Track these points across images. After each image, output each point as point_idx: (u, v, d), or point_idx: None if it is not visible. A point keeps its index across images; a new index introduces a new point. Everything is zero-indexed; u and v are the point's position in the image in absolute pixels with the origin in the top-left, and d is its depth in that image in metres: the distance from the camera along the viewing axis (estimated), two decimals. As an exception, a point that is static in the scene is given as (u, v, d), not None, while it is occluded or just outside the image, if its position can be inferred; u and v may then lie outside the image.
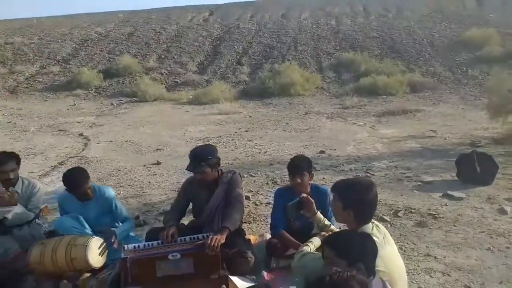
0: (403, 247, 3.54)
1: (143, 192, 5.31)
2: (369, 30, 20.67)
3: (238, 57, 18.76)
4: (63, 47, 21.06)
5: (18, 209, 3.35)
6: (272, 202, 4.72)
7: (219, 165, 3.29)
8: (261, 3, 29.20)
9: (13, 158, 3.47)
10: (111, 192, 3.50)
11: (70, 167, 6.54)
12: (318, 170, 5.94)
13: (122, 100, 14.75)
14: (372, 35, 19.92)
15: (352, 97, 12.86)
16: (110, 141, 8.62)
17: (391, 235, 2.30)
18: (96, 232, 3.32)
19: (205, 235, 3.01)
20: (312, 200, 2.74)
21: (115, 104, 14.15)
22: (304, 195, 2.79)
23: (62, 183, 5.70)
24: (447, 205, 4.53)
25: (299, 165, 3.23)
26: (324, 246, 2.02)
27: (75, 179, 3.27)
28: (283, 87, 14.16)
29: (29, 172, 6.25)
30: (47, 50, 20.58)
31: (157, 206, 4.76)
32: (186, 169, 3.24)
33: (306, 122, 10.29)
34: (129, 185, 5.64)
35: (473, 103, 12.01)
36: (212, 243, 2.78)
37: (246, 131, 9.37)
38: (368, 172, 5.92)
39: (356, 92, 13.64)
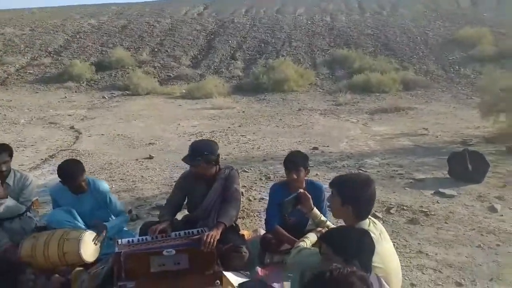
0: (395, 243, 3.55)
1: (136, 186, 5.27)
2: (363, 27, 20.70)
3: (232, 51, 18.69)
4: (55, 38, 20.80)
5: (9, 201, 3.31)
6: (266, 197, 4.76)
7: (217, 163, 3.28)
8: (256, -2, 29.07)
9: (6, 150, 3.42)
10: (105, 185, 3.47)
11: (61, 160, 6.51)
12: (311, 167, 5.89)
13: (114, 93, 14.62)
14: (367, 32, 19.96)
15: (345, 94, 12.88)
16: (102, 134, 8.54)
17: (384, 231, 2.31)
18: (89, 226, 3.29)
19: (199, 230, 3.00)
20: (309, 196, 2.74)
21: (107, 97, 14.03)
22: (301, 190, 2.79)
23: (52, 176, 5.75)
24: (438, 203, 4.58)
25: (295, 161, 3.24)
26: (321, 242, 2.02)
27: (70, 170, 3.23)
28: (277, 82, 14.14)
29: (20, 165, 6.17)
30: (38, 42, 20.32)
31: (150, 201, 4.73)
32: (182, 160, 3.27)
33: (299, 118, 10.29)
34: (121, 179, 5.60)
35: (465, 102, 12.11)
36: (208, 240, 2.78)
37: (240, 126, 9.35)
38: (360, 169, 5.95)
39: (350, 89, 13.67)
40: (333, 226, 2.85)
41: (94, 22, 23.42)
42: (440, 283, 2.94)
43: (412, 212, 4.29)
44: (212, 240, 2.79)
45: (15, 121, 9.98)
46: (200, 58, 18.52)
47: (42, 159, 6.67)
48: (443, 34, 18.97)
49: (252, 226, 4.03)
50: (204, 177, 3.29)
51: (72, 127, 9.29)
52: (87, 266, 2.96)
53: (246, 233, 3.69)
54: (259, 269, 3.11)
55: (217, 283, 2.80)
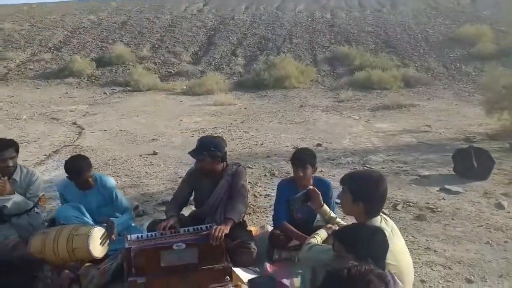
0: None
1: (141, 182, 5.26)
2: (364, 24, 20.66)
3: (232, 48, 18.65)
4: (54, 34, 20.72)
5: (17, 197, 3.29)
6: (271, 194, 4.76)
7: (223, 159, 3.27)
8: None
9: (12, 145, 3.39)
10: (112, 181, 3.46)
11: (65, 156, 6.52)
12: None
13: (115, 89, 14.59)
14: (367, 29, 19.92)
15: (346, 90, 12.86)
16: (105, 130, 8.52)
17: (392, 228, 2.30)
18: (96, 222, 3.28)
19: (208, 226, 2.99)
20: (319, 193, 2.74)
21: (108, 93, 13.99)
22: (311, 187, 2.78)
23: (57, 171, 5.73)
24: (444, 199, 4.57)
25: (301, 158, 3.23)
26: (334, 239, 2.01)
27: (77, 166, 3.22)
28: (278, 79, 14.12)
29: (24, 161, 6.13)
30: (38, 37, 20.24)
31: (156, 197, 4.72)
32: (188, 153, 3.30)
33: (301, 115, 10.28)
34: (126, 175, 5.58)
35: (467, 99, 12.10)
36: (216, 233, 2.77)
37: (242, 122, 9.34)
38: (365, 166, 5.95)
39: (351, 86, 13.64)
40: (342, 222, 2.84)
41: (94, 18, 23.34)
42: (450, 279, 2.93)
43: (419, 209, 4.29)
44: (220, 234, 2.79)
45: (17, 117, 9.95)
46: (200, 54, 18.47)
47: (46, 155, 6.64)
48: (443, 32, 18.94)
49: (259, 222, 4.02)
50: (211, 173, 3.29)
51: (74, 123, 9.26)
52: (95, 261, 2.96)
53: (253, 229, 3.69)
54: (268, 265, 3.10)
55: (227, 279, 2.79)
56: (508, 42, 15.50)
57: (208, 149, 3.18)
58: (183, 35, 20.28)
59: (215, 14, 23.64)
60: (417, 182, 5.19)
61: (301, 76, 14.65)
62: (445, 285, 2.88)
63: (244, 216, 3.33)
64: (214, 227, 2.84)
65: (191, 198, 3.51)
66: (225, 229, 2.86)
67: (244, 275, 2.93)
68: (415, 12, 22.14)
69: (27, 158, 6.42)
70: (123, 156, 6.55)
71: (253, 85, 14.37)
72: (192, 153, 3.24)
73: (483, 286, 2.88)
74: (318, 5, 25.02)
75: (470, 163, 5.20)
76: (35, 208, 3.50)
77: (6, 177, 3.28)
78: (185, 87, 14.40)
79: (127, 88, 14.58)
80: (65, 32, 21.04)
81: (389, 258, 1.98)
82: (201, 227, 2.98)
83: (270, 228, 3.64)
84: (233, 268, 2.87)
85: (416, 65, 15.80)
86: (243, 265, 3.06)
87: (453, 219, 4.03)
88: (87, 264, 2.92)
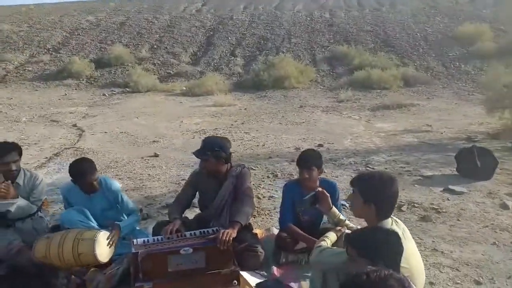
0: (409, 241, 3.55)
1: (143, 185, 5.23)
2: (363, 23, 20.65)
3: (231, 48, 18.61)
4: (53, 35, 20.65)
5: (21, 201, 3.25)
6: (275, 195, 4.74)
7: (227, 161, 3.26)
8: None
9: (15, 148, 3.34)
10: (116, 184, 3.43)
11: (66, 158, 6.49)
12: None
13: (114, 91, 14.53)
14: (366, 28, 19.92)
15: (346, 90, 12.84)
16: (105, 132, 8.49)
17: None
18: (101, 226, 3.25)
19: (214, 229, 2.97)
20: (328, 195, 2.72)
21: (107, 95, 13.94)
22: (320, 189, 2.76)
23: (58, 174, 5.70)
24: (449, 200, 4.56)
25: (307, 160, 3.21)
26: (347, 243, 1.99)
27: (82, 169, 3.18)
28: (277, 79, 14.09)
29: (25, 164, 6.05)
30: (36, 39, 20.16)
31: (159, 199, 4.69)
32: (192, 152, 3.31)
33: (301, 115, 10.26)
34: (128, 178, 5.55)
35: (467, 98, 12.10)
36: (224, 237, 2.75)
37: (242, 123, 9.31)
38: (367, 166, 5.93)
39: (350, 85, 13.61)
40: (351, 225, 2.82)
41: (92, 19, 23.27)
42: (459, 281, 2.92)
43: (424, 210, 4.28)
44: (228, 237, 2.76)
45: (17, 119, 9.90)
46: (199, 55, 18.43)
47: (47, 158, 6.61)
48: (442, 31, 18.94)
49: (264, 225, 3.99)
50: (215, 174, 3.27)
51: (74, 125, 9.22)
52: (101, 266, 2.93)
53: (259, 232, 3.66)
54: (275, 269, 3.08)
55: (235, 283, 2.77)
56: (507, 40, 15.52)
57: (212, 149, 3.17)
58: (182, 36, 20.24)
59: (213, 14, 23.60)
60: (421, 182, 5.18)
61: (301, 76, 14.62)
62: (454, 287, 2.86)
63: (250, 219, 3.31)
64: (222, 230, 2.81)
65: (195, 200, 3.49)
66: (233, 232, 2.83)
67: (251, 279, 2.91)
68: (414, 11, 22.15)
69: (28, 161, 6.38)
70: (124, 159, 6.52)
71: (252, 86, 14.34)
72: (196, 153, 3.23)
73: (492, 288, 2.87)
74: (316, 4, 25.01)
75: (474, 163, 5.18)
76: (39, 212, 3.47)
77: (9, 181, 3.24)
78: (184, 88, 14.36)
79: (126, 89, 14.53)
80: (64, 33, 20.98)
81: (402, 261, 1.97)
82: (207, 231, 2.96)
83: (275, 230, 3.62)
84: (241, 272, 2.85)
85: (416, 64, 15.81)
86: (250, 269, 3.04)
87: (458, 219, 4.01)
88: (93, 269, 2.89)
